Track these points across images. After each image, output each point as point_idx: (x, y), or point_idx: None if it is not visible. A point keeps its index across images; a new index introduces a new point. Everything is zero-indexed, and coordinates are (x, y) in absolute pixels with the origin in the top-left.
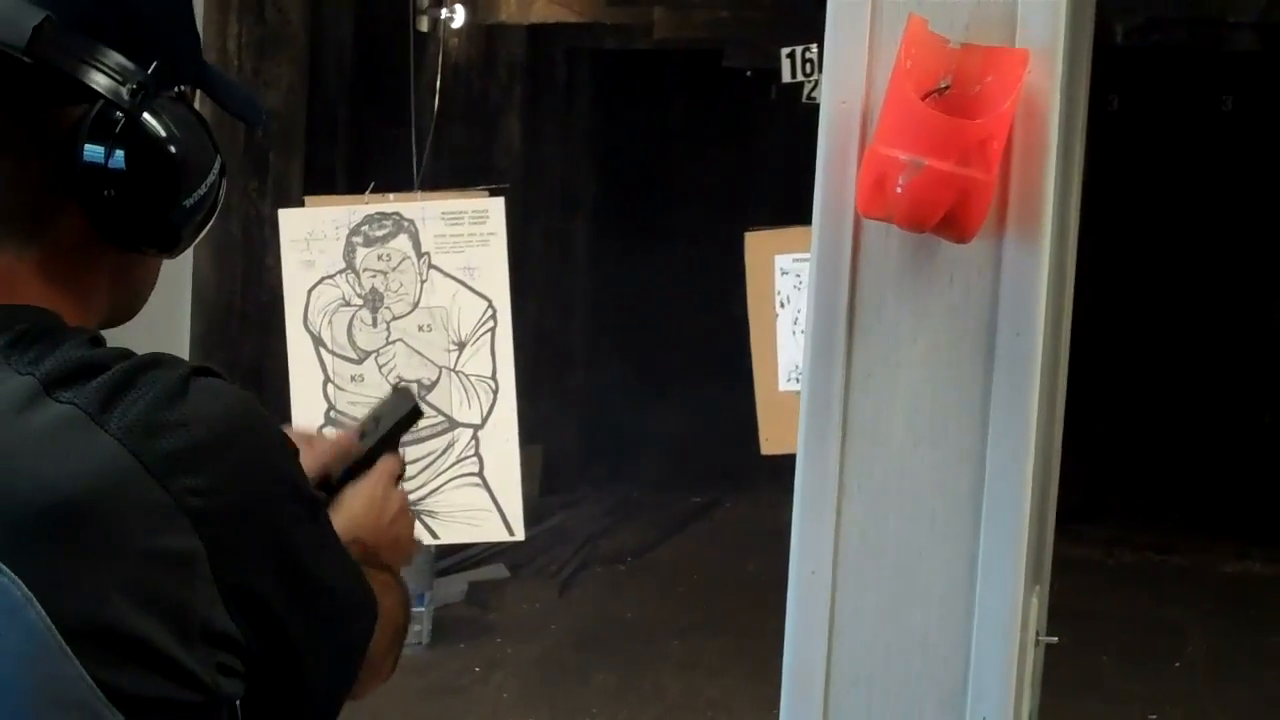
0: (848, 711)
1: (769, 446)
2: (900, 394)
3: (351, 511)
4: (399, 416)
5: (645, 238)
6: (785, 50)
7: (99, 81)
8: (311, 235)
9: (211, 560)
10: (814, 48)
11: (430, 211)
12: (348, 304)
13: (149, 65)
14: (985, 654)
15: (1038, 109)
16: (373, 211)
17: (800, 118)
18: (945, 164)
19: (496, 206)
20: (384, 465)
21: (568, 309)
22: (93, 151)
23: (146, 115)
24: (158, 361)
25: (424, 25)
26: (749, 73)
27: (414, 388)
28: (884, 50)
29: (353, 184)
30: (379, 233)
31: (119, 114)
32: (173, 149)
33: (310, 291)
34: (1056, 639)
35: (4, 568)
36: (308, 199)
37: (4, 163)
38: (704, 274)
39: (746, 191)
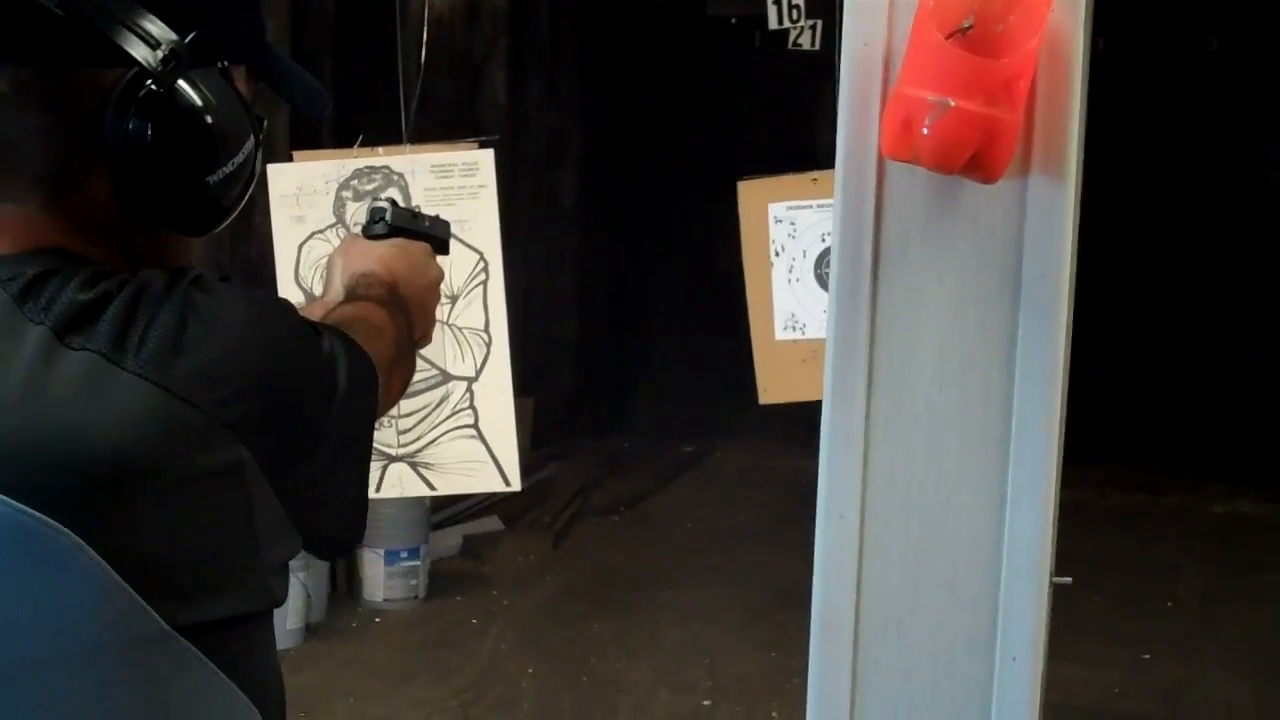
0: (877, 655)
1: (767, 396)
2: (926, 337)
3: (388, 255)
4: (444, 231)
5: (633, 187)
6: None
7: (130, 44)
8: (301, 190)
9: (260, 461)
10: None
11: (420, 165)
12: None
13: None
14: (1014, 595)
15: (1061, 48)
16: (362, 165)
17: (785, 64)
18: (972, 104)
19: (486, 159)
20: (427, 244)
21: (556, 260)
22: (115, 120)
23: (176, 88)
24: (147, 282)
25: None
26: (733, 20)
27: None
28: None
29: (338, 138)
30: (368, 187)
31: (149, 84)
32: (197, 125)
33: (301, 246)
34: (1070, 579)
35: (49, 519)
36: (295, 154)
37: (35, 116)
38: (692, 223)
39: (733, 139)
